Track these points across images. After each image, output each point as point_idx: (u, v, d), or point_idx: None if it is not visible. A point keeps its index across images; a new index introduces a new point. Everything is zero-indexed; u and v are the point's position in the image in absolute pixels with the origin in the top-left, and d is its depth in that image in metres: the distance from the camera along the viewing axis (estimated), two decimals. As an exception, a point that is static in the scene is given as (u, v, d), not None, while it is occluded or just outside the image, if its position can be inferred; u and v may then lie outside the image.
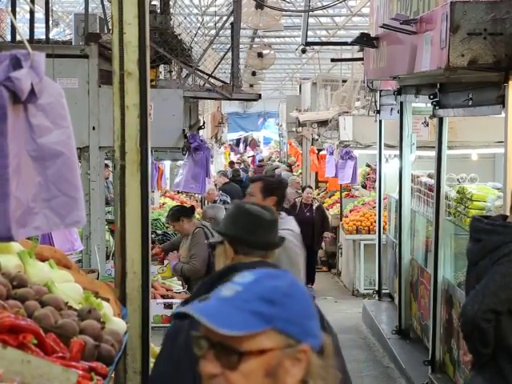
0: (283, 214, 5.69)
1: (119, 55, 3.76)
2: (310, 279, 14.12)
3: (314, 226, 14.52)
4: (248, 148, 45.01)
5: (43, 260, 3.30)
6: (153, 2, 8.08)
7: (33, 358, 2.39)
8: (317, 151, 19.57)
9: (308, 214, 14.62)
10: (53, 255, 3.44)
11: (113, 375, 3.17)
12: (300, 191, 19.48)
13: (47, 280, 3.08)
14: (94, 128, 6.87)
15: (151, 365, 3.87)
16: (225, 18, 9.08)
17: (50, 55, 5.89)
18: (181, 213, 8.77)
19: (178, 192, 15.79)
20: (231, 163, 28.58)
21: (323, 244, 16.57)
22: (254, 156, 40.04)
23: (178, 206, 10.20)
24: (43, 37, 8.30)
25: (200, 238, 8.45)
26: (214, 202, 14.32)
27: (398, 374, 9.37)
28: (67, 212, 2.49)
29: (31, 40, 7.65)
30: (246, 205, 3.58)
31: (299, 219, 11.71)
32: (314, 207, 14.82)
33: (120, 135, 3.81)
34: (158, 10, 8.13)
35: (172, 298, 7.32)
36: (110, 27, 4.04)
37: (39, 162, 2.42)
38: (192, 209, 9.03)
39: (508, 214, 4.42)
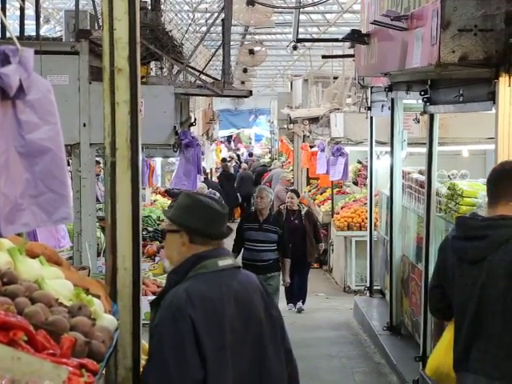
0: None
1: (109, 51, 3.74)
2: (302, 296, 13.20)
3: (306, 234, 12.90)
4: (240, 145, 45.05)
5: (33, 257, 3.29)
6: (143, -1, 8.06)
7: (23, 355, 2.38)
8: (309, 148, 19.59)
9: (297, 221, 12.88)
10: (43, 252, 3.43)
11: (104, 372, 3.17)
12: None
13: (37, 277, 3.07)
14: (84, 125, 6.86)
15: (142, 362, 3.87)
16: (216, 14, 9.07)
17: (40, 52, 5.87)
18: None
19: (172, 189, 15.79)
20: (223, 160, 28.60)
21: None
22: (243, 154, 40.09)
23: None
24: (34, 34, 8.28)
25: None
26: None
27: (389, 369, 9.39)
28: (55, 209, 2.48)
29: (21, 37, 7.63)
30: (200, 197, 3.83)
31: (288, 228, 11.25)
32: (302, 213, 13.03)
33: (110, 132, 3.79)
34: (149, 7, 8.11)
35: (163, 294, 7.30)
36: (101, 24, 4.03)
37: (27, 158, 2.41)
38: None
39: (488, 211, 4.39)
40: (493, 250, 4.18)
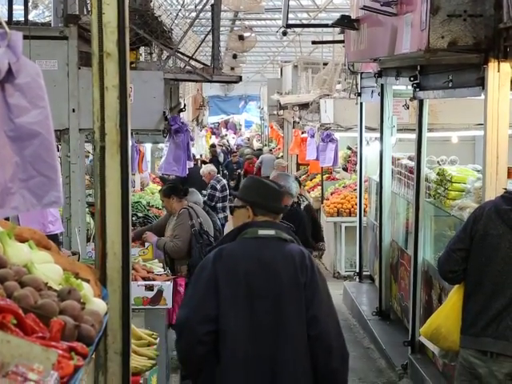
0: None
1: (98, 36, 3.73)
2: None
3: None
4: (230, 131, 45.02)
5: (22, 241, 3.28)
6: (133, -16, 8.02)
7: (12, 338, 2.39)
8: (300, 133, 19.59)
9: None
10: (32, 236, 3.43)
11: (93, 356, 3.17)
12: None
13: (27, 261, 3.07)
14: (73, 110, 6.83)
15: (132, 346, 3.89)
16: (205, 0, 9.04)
17: (29, 37, 5.84)
18: (173, 191, 8.87)
19: (161, 177, 15.78)
20: (212, 146, 28.56)
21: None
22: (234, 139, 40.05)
23: (172, 183, 10.23)
24: (22, 19, 8.24)
25: (184, 219, 8.53)
26: (214, 188, 14.61)
27: (378, 354, 9.44)
28: (44, 192, 2.48)
29: (10, 22, 7.58)
30: (261, 179, 4.76)
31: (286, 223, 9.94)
32: (301, 207, 10.47)
33: (100, 116, 3.79)
34: (138, -8, 8.08)
35: (153, 280, 7.32)
36: (89, 9, 4.02)
37: (16, 142, 2.41)
38: (185, 190, 9.04)
39: None
40: None
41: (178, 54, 8.17)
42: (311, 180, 18.42)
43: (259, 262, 4.22)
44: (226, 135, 41.92)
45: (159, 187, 13.03)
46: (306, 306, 4.16)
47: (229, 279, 4.16)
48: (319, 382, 4.18)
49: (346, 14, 10.00)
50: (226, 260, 4.20)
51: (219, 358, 4.13)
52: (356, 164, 13.61)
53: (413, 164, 8.77)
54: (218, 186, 14.70)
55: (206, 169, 15.63)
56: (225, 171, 25.23)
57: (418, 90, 7.91)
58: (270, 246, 4.28)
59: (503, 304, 4.60)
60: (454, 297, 4.91)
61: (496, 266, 4.66)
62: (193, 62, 8.16)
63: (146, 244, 8.81)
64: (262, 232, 4.30)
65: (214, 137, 39.03)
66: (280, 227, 4.40)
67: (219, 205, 14.62)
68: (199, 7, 9.15)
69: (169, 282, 7.25)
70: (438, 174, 8.42)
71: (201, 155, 26.44)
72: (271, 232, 4.31)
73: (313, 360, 4.16)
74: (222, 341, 4.12)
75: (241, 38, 19.91)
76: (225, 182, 15.58)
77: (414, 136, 8.42)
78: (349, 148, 16.17)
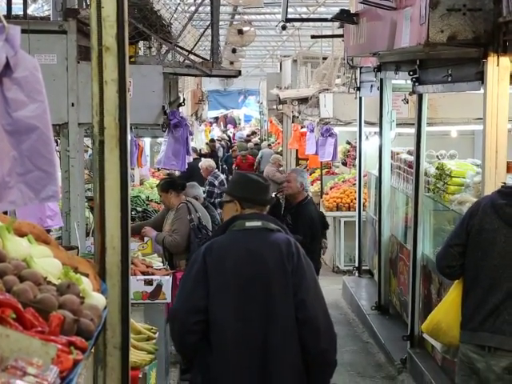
0: None
1: (97, 30, 3.72)
2: None
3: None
4: (229, 126, 44.97)
5: (21, 235, 3.28)
6: (131, -22, 8.00)
7: (12, 333, 2.38)
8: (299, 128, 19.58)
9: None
10: (31, 231, 3.42)
11: (92, 350, 3.17)
12: (282, 170, 19.47)
13: (26, 255, 3.06)
14: (73, 104, 6.82)
15: (131, 340, 3.89)
16: (204, -7, 9.01)
17: (28, 31, 5.83)
18: (171, 185, 8.85)
19: (159, 170, 15.78)
20: (211, 141, 28.55)
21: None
22: (234, 134, 40.01)
23: (170, 178, 10.22)
24: (21, 13, 8.21)
25: (183, 214, 8.52)
26: (212, 184, 14.53)
27: (377, 348, 9.45)
28: (42, 186, 2.48)
29: (9, 16, 7.56)
30: (248, 174, 4.98)
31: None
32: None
33: (99, 110, 3.78)
34: (137, -14, 8.05)
35: (152, 274, 7.32)
36: (88, 2, 4.01)
37: (14, 136, 2.40)
38: (183, 185, 9.03)
39: None
40: None
41: (177, 48, 8.16)
42: (310, 175, 18.40)
43: (247, 252, 4.44)
44: (226, 130, 41.89)
45: (157, 181, 13.02)
46: (294, 291, 4.36)
47: (218, 270, 4.38)
48: (309, 362, 4.38)
49: (346, 8, 10.00)
50: (215, 252, 4.43)
51: (210, 346, 4.32)
52: (355, 158, 13.61)
53: (412, 158, 8.76)
54: (216, 182, 14.65)
55: (205, 163, 15.59)
56: (224, 166, 25.23)
57: (417, 84, 7.90)
58: (257, 236, 4.50)
59: (500, 298, 4.62)
60: (454, 292, 4.93)
61: (492, 261, 4.68)
62: (192, 57, 8.15)
63: (145, 238, 8.81)
64: (249, 224, 4.53)
65: (217, 129, 39.01)
66: (267, 218, 4.63)
67: (218, 200, 14.60)
68: (198, 1, 9.12)
69: (168, 277, 7.25)
70: (437, 168, 8.42)
71: (200, 150, 26.43)
72: (258, 223, 4.54)
73: (301, 342, 4.36)
74: (212, 329, 4.33)
75: (240, 32, 19.88)
76: (223, 177, 15.45)
77: (413, 130, 8.42)
78: (348, 142, 16.16)
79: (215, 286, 4.35)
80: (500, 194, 4.84)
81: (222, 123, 45.14)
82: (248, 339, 4.34)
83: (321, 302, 4.46)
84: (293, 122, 20.78)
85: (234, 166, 26.08)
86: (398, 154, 10.25)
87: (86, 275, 3.36)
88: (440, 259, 5.05)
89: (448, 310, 4.89)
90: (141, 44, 8.60)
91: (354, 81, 12.24)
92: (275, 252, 4.44)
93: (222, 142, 30.91)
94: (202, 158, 17.62)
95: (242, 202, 4.62)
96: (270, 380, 4.35)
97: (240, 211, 4.61)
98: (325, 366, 4.43)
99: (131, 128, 10.92)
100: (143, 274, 7.26)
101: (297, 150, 20.66)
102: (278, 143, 27.97)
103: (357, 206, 12.59)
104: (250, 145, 30.23)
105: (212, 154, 25.15)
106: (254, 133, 38.21)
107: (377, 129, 10.78)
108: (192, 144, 14.34)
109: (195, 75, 9.56)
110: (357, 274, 12.48)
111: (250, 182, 4.71)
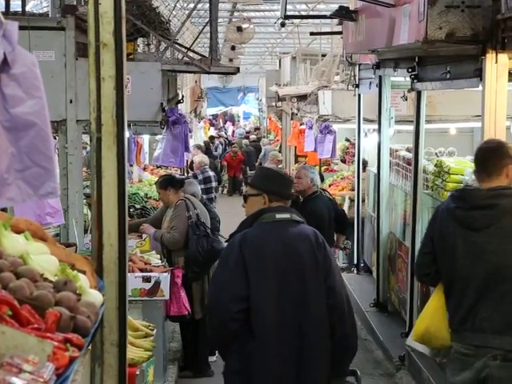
0: None
1: (94, 26, 3.72)
2: None
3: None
4: (228, 123, 44.97)
5: (18, 232, 3.27)
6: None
7: (8, 330, 2.38)
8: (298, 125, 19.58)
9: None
10: (28, 227, 3.41)
11: (89, 347, 3.16)
12: (281, 167, 19.44)
13: (22, 252, 3.06)
14: (71, 101, 6.81)
15: (129, 337, 3.88)
16: (203, -10, 9.00)
17: (26, 27, 5.82)
18: (169, 182, 8.81)
19: (157, 166, 15.76)
20: (211, 138, 28.56)
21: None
22: (233, 131, 40.02)
23: (168, 175, 10.19)
24: (19, 9, 8.20)
25: (181, 211, 8.49)
26: (195, 177, 14.10)
27: (376, 346, 9.45)
28: (40, 183, 2.47)
29: (7, 12, 7.55)
30: (272, 168, 5.46)
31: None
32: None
33: (96, 107, 3.78)
34: (136, -18, 8.04)
35: (150, 271, 7.32)
36: (86, -1, 4.01)
37: (12, 132, 2.40)
38: (181, 182, 9.01)
39: (484, 184, 4.71)
40: (500, 217, 4.57)
41: (176, 45, 8.15)
42: (309, 172, 18.40)
43: (282, 242, 4.66)
44: (224, 127, 41.87)
45: (155, 178, 13.02)
46: (324, 279, 4.63)
47: (256, 260, 4.58)
48: (334, 346, 4.63)
49: (345, 5, 9.98)
50: (251, 243, 4.62)
51: (252, 332, 4.53)
52: (354, 155, 13.60)
53: (411, 155, 8.76)
54: (200, 177, 14.06)
55: (197, 158, 15.26)
56: (224, 163, 25.26)
57: (415, 81, 7.90)
58: (287, 228, 4.73)
59: (474, 297, 4.67)
60: (436, 296, 4.97)
61: (457, 263, 4.74)
62: (191, 54, 8.13)
63: (144, 236, 8.80)
64: (279, 216, 4.75)
65: (212, 128, 38.99)
66: (292, 211, 4.87)
67: (204, 196, 14.03)
68: (197, -2, 9.12)
69: (166, 274, 7.25)
70: (435, 165, 8.41)
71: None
72: (287, 215, 4.78)
73: (330, 326, 4.63)
74: (254, 316, 4.53)
75: (239, 29, 19.86)
76: (211, 173, 14.53)
77: (412, 127, 8.41)
78: (347, 139, 16.15)
79: (255, 275, 4.54)
80: (452, 198, 4.91)
81: (220, 120, 45.13)
82: (286, 327, 4.57)
83: (345, 288, 4.80)
84: (292, 118, 20.79)
85: (223, 163, 26.11)
86: (396, 151, 10.24)
87: (83, 272, 3.36)
88: (417, 268, 5.17)
89: (433, 314, 4.93)
90: (139, 41, 8.60)
91: (352, 78, 12.23)
92: (306, 243, 4.68)
93: (221, 139, 30.92)
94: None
95: (270, 195, 4.80)
96: (305, 366, 4.58)
97: (268, 204, 4.79)
98: (348, 349, 4.72)
99: (130, 125, 10.92)
100: (141, 271, 7.27)
101: (295, 147, 20.65)
102: (277, 140, 27.97)
103: (355, 202, 12.59)
104: (245, 142, 30.22)
105: (207, 151, 25.16)
106: (257, 129, 38.19)
107: (376, 126, 10.77)
108: (191, 141, 14.30)
109: (194, 72, 9.55)
110: (355, 271, 12.48)
111: (277, 176, 4.96)
